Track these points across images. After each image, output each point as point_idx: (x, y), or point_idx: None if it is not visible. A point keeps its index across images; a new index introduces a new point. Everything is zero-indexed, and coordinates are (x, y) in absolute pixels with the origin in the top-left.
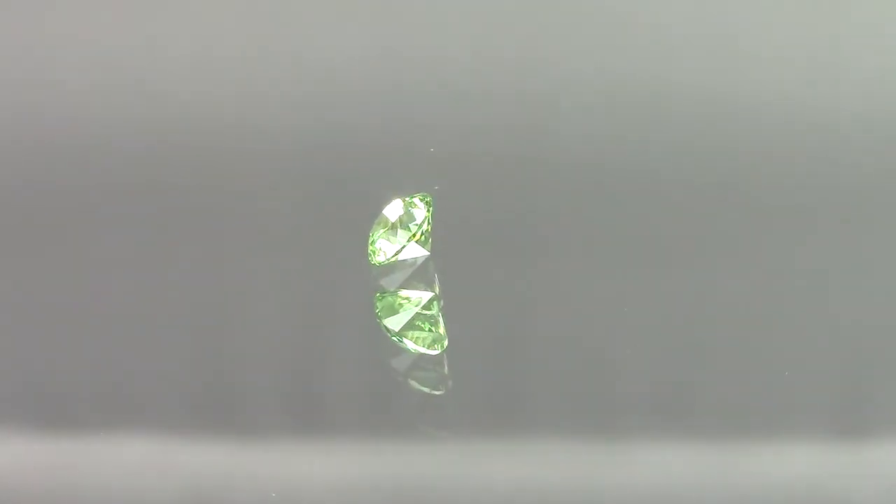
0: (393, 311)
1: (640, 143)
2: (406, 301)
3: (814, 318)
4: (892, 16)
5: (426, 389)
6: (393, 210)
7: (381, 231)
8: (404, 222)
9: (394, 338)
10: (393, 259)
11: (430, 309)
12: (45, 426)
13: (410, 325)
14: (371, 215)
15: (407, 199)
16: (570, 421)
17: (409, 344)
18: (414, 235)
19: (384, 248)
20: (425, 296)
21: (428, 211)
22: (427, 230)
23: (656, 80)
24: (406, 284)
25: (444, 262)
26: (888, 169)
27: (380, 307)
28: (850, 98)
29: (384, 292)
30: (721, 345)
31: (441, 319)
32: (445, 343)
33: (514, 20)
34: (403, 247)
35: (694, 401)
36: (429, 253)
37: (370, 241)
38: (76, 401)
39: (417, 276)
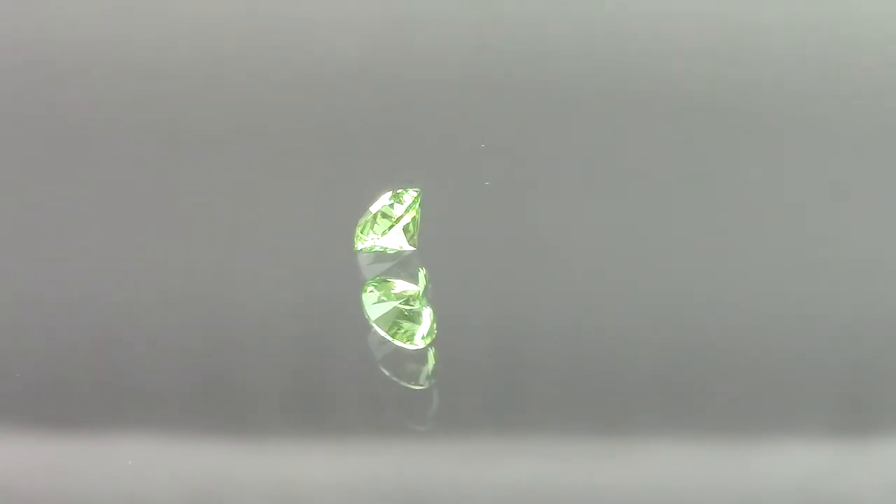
0: (375, 302)
1: (635, 137)
2: (390, 294)
3: (814, 316)
4: None
5: (408, 384)
6: (380, 201)
7: (366, 220)
8: (386, 213)
9: (374, 329)
10: (374, 248)
11: (412, 304)
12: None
13: (392, 318)
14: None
15: (397, 191)
16: (565, 418)
17: (388, 336)
18: (393, 226)
19: (366, 236)
20: (409, 290)
21: (415, 204)
22: (413, 222)
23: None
24: (392, 277)
25: (437, 260)
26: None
27: (365, 298)
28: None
29: (372, 283)
30: (720, 343)
31: (425, 315)
32: (430, 339)
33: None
34: (381, 236)
35: (692, 398)
36: (414, 247)
37: (356, 229)
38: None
39: (402, 270)
